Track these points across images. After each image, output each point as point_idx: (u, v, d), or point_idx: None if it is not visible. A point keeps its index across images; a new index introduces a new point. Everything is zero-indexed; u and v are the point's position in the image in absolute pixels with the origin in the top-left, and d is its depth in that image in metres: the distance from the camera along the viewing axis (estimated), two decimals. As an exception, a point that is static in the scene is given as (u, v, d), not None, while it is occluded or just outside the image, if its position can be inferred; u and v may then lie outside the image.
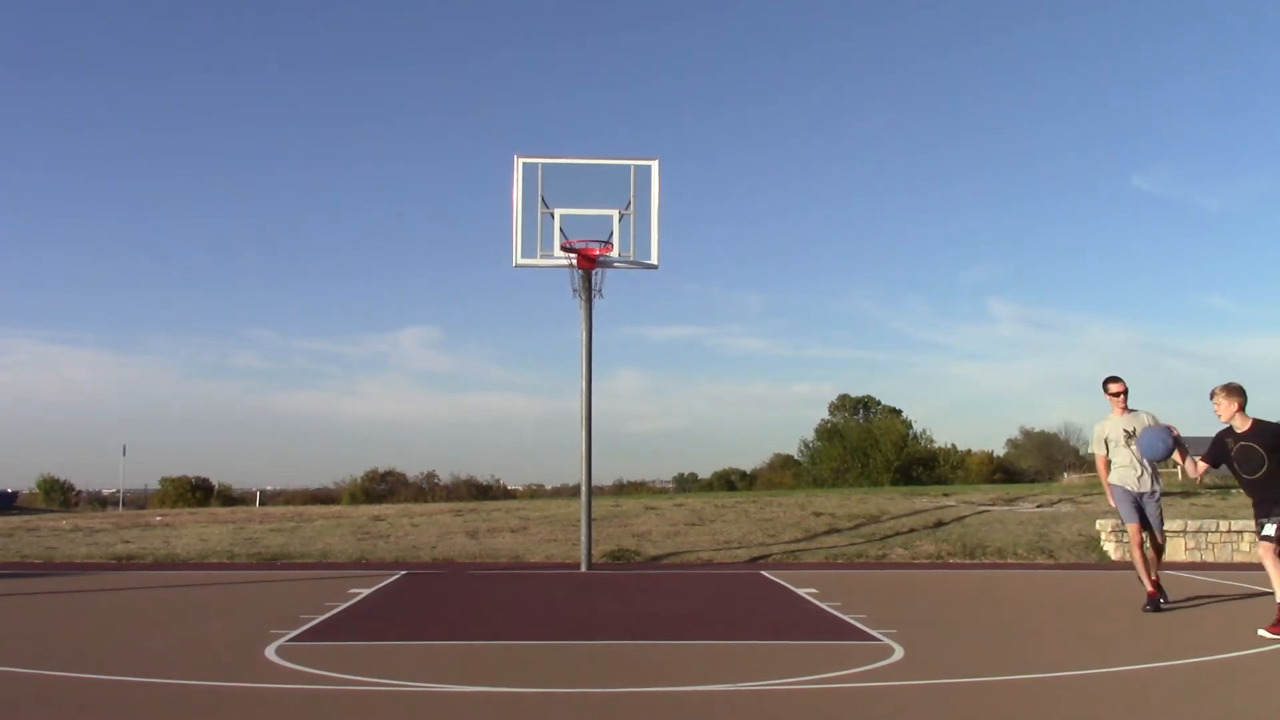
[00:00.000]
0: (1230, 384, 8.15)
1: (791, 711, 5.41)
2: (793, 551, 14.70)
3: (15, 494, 45.55)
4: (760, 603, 9.82)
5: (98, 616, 9.11)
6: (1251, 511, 8.35)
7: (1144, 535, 9.20)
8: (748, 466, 67.54)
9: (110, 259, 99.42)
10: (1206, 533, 14.47)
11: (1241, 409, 8.07)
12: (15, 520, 21.49)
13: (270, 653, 6.91)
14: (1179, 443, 8.71)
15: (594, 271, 13.13)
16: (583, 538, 13.10)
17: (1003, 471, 59.14)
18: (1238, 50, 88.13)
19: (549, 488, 55.04)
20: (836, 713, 5.40)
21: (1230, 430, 8.16)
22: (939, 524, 16.77)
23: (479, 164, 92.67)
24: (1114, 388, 9.46)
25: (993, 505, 19.60)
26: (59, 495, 51.16)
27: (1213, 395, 8.16)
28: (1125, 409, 9.44)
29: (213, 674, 6.26)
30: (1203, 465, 8.40)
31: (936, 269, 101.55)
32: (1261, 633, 7.75)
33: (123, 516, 23.29)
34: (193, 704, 5.55)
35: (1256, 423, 8.04)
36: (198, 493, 50.45)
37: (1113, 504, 9.46)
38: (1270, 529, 7.87)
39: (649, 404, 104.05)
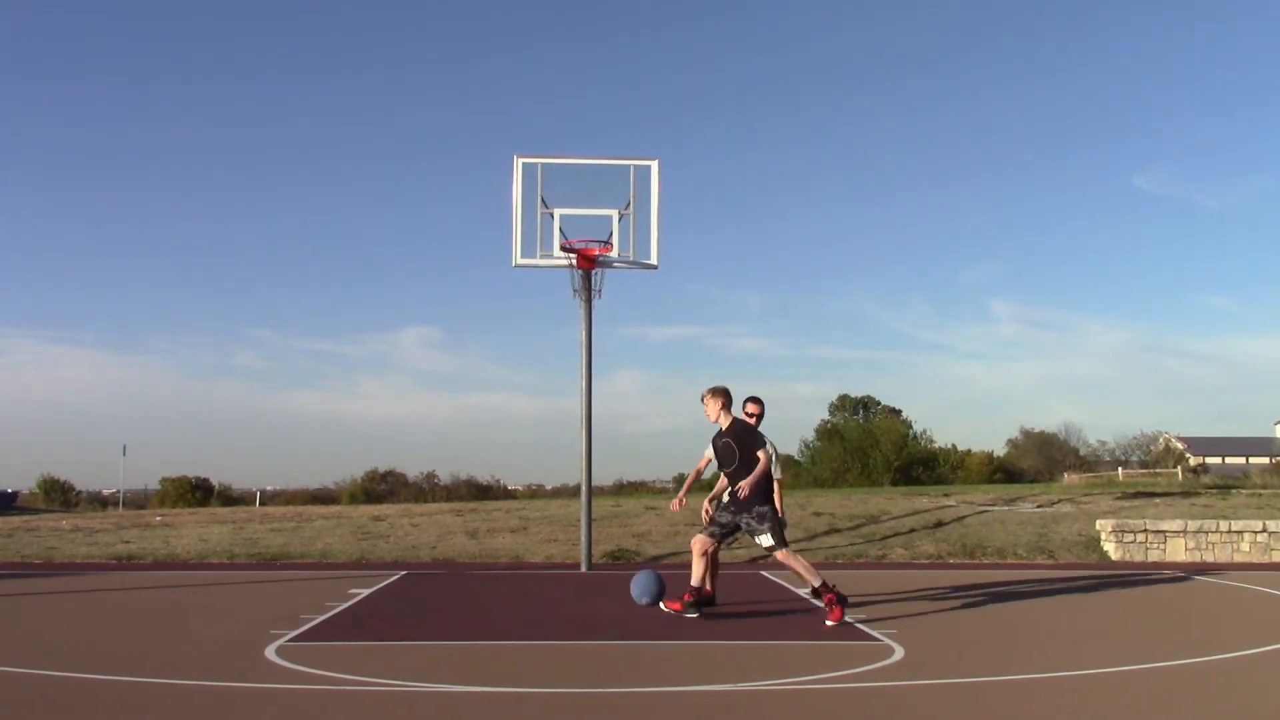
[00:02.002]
0: (714, 386, 8.73)
1: (791, 711, 5.41)
2: (792, 551, 14.68)
3: (15, 494, 45.52)
4: (760, 603, 9.82)
5: (98, 616, 9.11)
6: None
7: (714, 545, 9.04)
8: (747, 466, 67.33)
9: (110, 259, 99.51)
10: (1206, 533, 14.47)
11: (725, 408, 8.67)
12: (15, 520, 21.48)
13: (270, 653, 6.91)
14: (663, 591, 9.07)
15: (594, 271, 13.12)
16: (583, 538, 13.10)
17: (1003, 471, 59.06)
18: (1238, 50, 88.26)
19: (549, 488, 54.90)
20: (836, 713, 5.41)
21: (719, 430, 8.73)
22: (939, 524, 16.77)
23: (479, 164, 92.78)
24: (750, 408, 9.36)
25: (993, 505, 19.60)
26: (59, 495, 51.07)
27: (702, 398, 8.76)
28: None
29: (213, 674, 6.26)
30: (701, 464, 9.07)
31: (936, 269, 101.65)
32: (678, 612, 8.44)
33: (123, 516, 23.29)
34: (193, 704, 5.55)
35: (734, 421, 8.68)
36: (198, 493, 50.33)
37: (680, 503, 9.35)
38: (766, 540, 8.54)
39: (649, 404, 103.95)
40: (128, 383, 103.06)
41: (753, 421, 9.33)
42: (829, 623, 8.16)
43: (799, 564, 8.58)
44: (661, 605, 8.75)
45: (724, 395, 8.71)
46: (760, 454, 8.43)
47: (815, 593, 8.61)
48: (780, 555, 8.59)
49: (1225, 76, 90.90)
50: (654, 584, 9.13)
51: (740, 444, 8.53)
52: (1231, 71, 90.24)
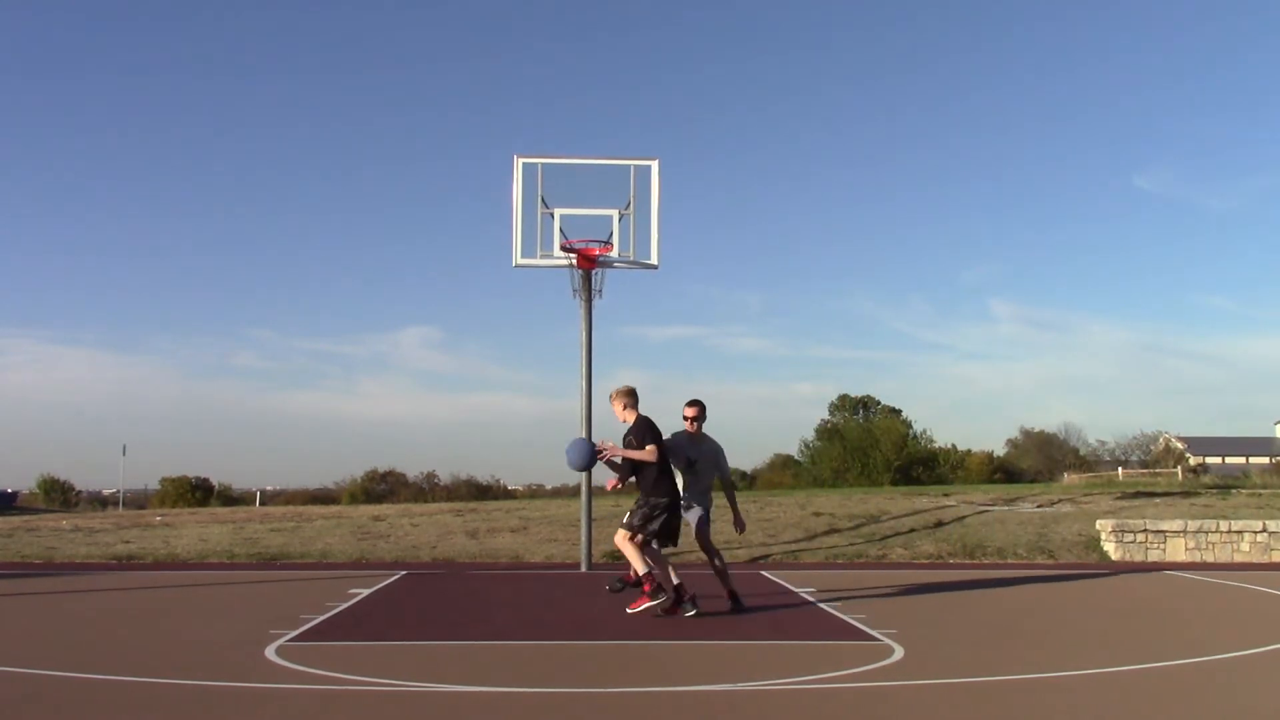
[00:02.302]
0: (618, 387, 9.01)
1: (791, 711, 5.41)
2: (793, 551, 14.69)
3: (15, 494, 45.57)
4: (760, 603, 9.82)
5: (98, 616, 9.11)
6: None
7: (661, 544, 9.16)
8: (748, 466, 67.34)
9: (110, 259, 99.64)
10: (1206, 533, 14.47)
11: (627, 407, 8.91)
12: (15, 520, 21.49)
13: (270, 653, 6.91)
14: (594, 452, 9.00)
15: (594, 271, 13.11)
16: (583, 538, 13.10)
17: (1003, 471, 59.07)
18: (1238, 50, 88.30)
19: (549, 488, 54.87)
20: (836, 713, 5.40)
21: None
22: (939, 524, 16.77)
23: (479, 164, 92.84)
24: (687, 411, 9.48)
25: (993, 505, 19.60)
26: (59, 495, 51.10)
27: (610, 399, 9.05)
28: (694, 434, 9.39)
29: (213, 674, 6.26)
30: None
31: (936, 269, 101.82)
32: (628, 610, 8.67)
33: (123, 516, 23.29)
34: (193, 704, 5.55)
35: (636, 417, 8.88)
36: (198, 493, 50.34)
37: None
38: (633, 519, 8.74)
39: (649, 404, 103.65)
40: (128, 383, 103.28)
41: (690, 425, 9.37)
42: (629, 609, 8.62)
43: (631, 552, 8.71)
44: (655, 610, 8.76)
45: (625, 395, 8.95)
46: (650, 446, 8.66)
47: (635, 581, 8.85)
48: (617, 536, 8.80)
49: (1225, 76, 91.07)
50: (584, 452, 9.05)
51: (637, 438, 8.76)
52: (1231, 71, 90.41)
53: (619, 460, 8.81)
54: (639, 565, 8.67)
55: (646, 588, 8.60)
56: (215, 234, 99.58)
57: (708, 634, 7.98)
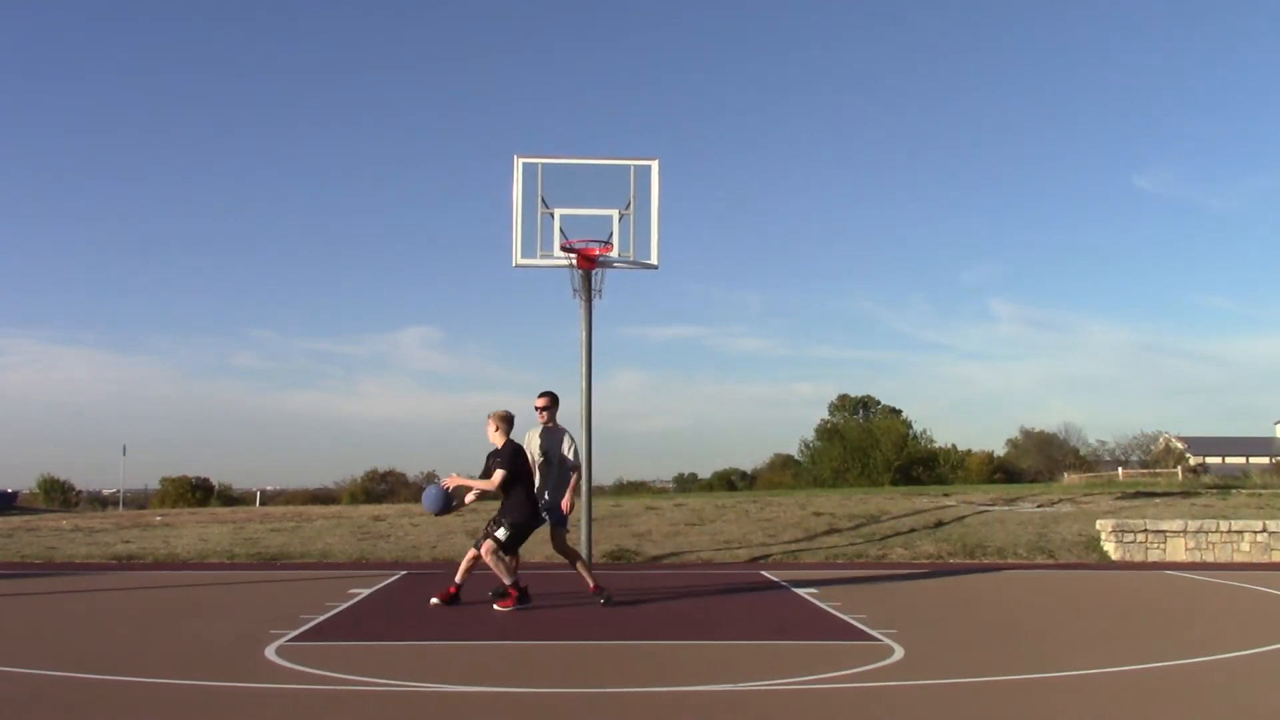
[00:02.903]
0: (495, 410, 9.35)
1: (791, 711, 5.41)
2: (793, 551, 14.69)
3: (15, 494, 45.54)
4: (760, 603, 9.82)
5: (98, 616, 9.11)
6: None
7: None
8: (748, 466, 67.43)
9: (110, 259, 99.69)
10: (1207, 533, 14.47)
11: (497, 430, 9.26)
12: (15, 520, 21.49)
13: (270, 653, 6.91)
14: (449, 500, 9.36)
15: (594, 271, 13.09)
16: (583, 538, 13.08)
17: (1003, 471, 59.08)
18: (1238, 50, 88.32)
19: (549, 488, 54.76)
20: (836, 713, 5.40)
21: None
22: (939, 524, 16.77)
23: (479, 164, 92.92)
24: (536, 402, 9.74)
25: (993, 505, 19.60)
26: (59, 495, 51.04)
27: (487, 419, 9.41)
28: (546, 425, 9.64)
29: (213, 674, 6.26)
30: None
31: (936, 269, 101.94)
32: (496, 607, 9.10)
33: (123, 516, 23.29)
34: (193, 704, 5.55)
35: (506, 442, 9.24)
36: (198, 493, 50.30)
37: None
38: (498, 533, 9.10)
39: (649, 404, 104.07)
40: (128, 383, 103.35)
41: (541, 416, 9.67)
42: (495, 606, 9.10)
43: (498, 566, 9.11)
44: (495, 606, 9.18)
45: (498, 419, 9.28)
46: (497, 473, 9.07)
47: (502, 591, 9.24)
48: (484, 548, 9.09)
49: (1225, 76, 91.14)
50: (438, 500, 9.35)
51: (497, 461, 9.16)
52: (1231, 71, 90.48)
53: (469, 488, 9.30)
54: (505, 577, 9.15)
55: (513, 593, 9.15)
56: (215, 234, 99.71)
57: (708, 634, 7.98)
